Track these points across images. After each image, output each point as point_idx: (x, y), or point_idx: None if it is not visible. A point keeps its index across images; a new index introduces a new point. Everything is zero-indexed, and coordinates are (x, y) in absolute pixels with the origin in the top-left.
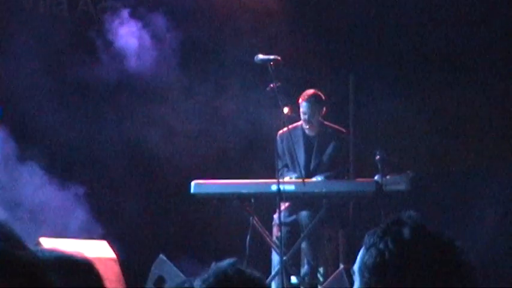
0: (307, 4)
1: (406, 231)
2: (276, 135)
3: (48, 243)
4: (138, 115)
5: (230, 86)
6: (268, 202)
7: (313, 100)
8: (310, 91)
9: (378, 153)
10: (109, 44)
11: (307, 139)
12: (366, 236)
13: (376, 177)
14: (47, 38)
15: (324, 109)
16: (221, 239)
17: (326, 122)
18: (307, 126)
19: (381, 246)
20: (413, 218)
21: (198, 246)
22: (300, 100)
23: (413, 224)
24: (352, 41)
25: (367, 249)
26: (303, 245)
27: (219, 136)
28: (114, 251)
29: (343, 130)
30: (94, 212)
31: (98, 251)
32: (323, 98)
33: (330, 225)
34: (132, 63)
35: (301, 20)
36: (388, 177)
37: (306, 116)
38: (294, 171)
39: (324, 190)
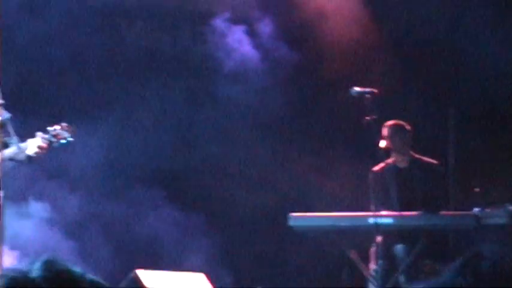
0: (406, 37)
1: (485, 265)
2: (370, 171)
3: (144, 275)
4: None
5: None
6: (365, 235)
7: (395, 127)
8: (393, 121)
9: (477, 186)
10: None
11: (399, 173)
12: (446, 269)
13: (475, 211)
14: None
15: (409, 138)
16: (318, 272)
17: (417, 155)
18: (395, 158)
19: (460, 279)
20: (493, 252)
21: (295, 279)
22: (383, 128)
23: (493, 258)
24: (452, 74)
25: (446, 282)
26: (401, 278)
27: (317, 168)
28: (211, 283)
29: (435, 162)
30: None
31: (195, 283)
32: (406, 127)
33: (428, 259)
34: (241, 89)
35: (400, 53)
36: (487, 210)
37: (387, 142)
38: (389, 206)
39: (421, 223)
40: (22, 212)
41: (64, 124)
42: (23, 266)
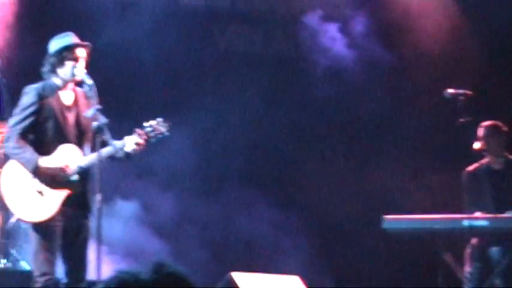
0: (499, 35)
1: None
2: (464, 171)
3: (239, 277)
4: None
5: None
6: (459, 237)
7: (491, 128)
8: (489, 121)
9: None
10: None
11: (493, 175)
12: None
13: None
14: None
15: (504, 139)
16: (413, 274)
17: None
18: (489, 159)
19: None
20: None
21: (390, 281)
22: (478, 129)
23: None
24: None
25: None
26: (497, 281)
27: (411, 170)
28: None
29: None
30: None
31: (290, 286)
32: (502, 128)
33: None
34: (335, 88)
35: (493, 53)
36: None
37: (482, 143)
38: (483, 208)
39: None
40: (112, 211)
41: (159, 119)
42: (133, 268)
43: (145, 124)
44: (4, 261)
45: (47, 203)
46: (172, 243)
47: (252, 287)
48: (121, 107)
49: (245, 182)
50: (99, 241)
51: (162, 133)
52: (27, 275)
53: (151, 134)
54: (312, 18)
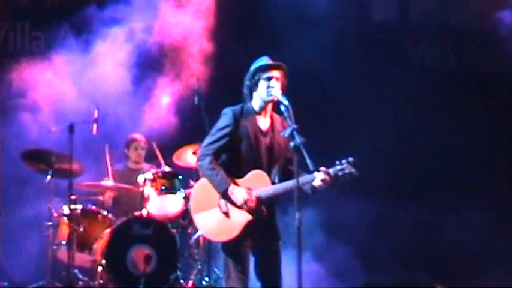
0: None
1: None
2: None
3: None
4: None
5: None
6: None
7: None
8: None
9: None
10: None
11: None
12: None
13: None
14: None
15: None
16: None
17: None
18: None
19: None
20: None
21: None
22: None
23: None
24: None
25: None
26: None
27: None
28: None
29: None
30: None
31: None
32: None
33: None
34: None
35: None
36: None
37: None
38: None
39: None
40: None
41: (350, 159)
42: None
43: (337, 162)
44: (206, 279)
45: (230, 225)
46: (365, 252)
47: None
48: (308, 125)
49: (451, 186)
50: (299, 260)
51: (350, 173)
52: None
53: (340, 173)
54: (508, 20)
